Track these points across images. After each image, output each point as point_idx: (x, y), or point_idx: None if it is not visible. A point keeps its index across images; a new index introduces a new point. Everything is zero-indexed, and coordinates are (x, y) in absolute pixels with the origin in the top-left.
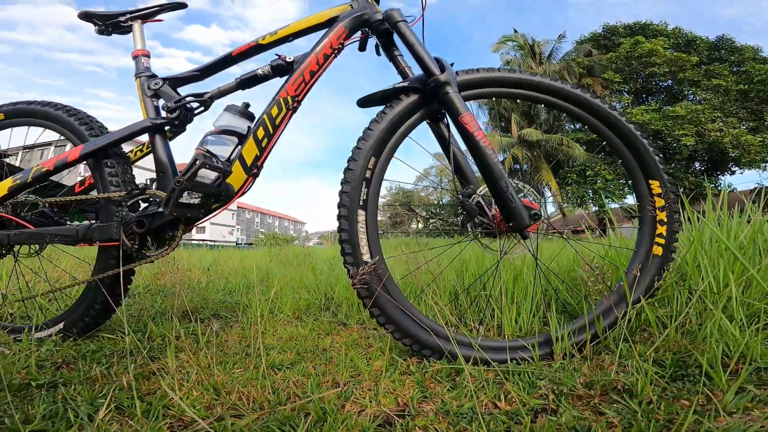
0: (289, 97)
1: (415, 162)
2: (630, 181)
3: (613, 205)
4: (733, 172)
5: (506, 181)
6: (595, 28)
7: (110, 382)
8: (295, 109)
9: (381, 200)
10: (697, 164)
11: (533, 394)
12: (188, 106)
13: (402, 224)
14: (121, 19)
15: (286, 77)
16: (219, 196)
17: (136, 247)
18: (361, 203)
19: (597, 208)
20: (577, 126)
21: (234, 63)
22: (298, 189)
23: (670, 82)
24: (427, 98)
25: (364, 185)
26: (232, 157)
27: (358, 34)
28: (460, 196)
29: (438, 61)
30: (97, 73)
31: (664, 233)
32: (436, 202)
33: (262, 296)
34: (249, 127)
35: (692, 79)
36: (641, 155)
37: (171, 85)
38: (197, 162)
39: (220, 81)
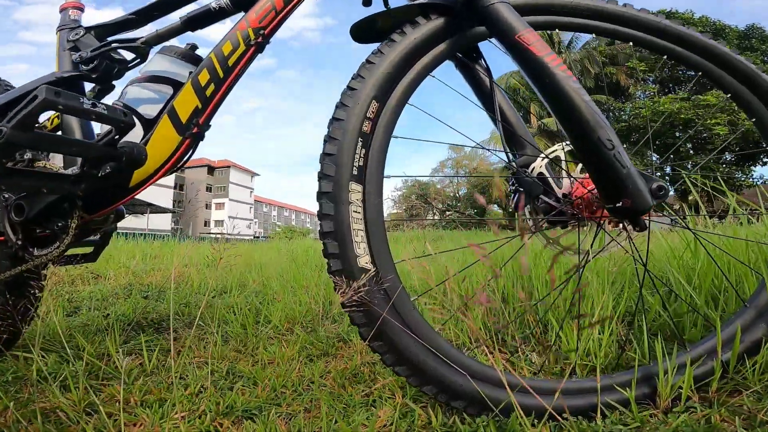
0: (249, 30)
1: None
2: (765, 141)
3: None
4: (765, 163)
5: (609, 132)
6: None
7: None
8: (260, 46)
9: (396, 192)
10: (727, 155)
11: None
12: (114, 55)
13: (418, 216)
14: None
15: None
16: (118, 163)
17: (20, 242)
18: (354, 171)
19: None
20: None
21: (185, 2)
22: (315, 183)
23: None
24: (457, 22)
25: (359, 144)
26: (161, 112)
27: None
28: (513, 164)
29: None
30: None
31: None
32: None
33: (251, 300)
34: (191, 73)
35: None
36: None
37: (98, 35)
38: (37, 99)
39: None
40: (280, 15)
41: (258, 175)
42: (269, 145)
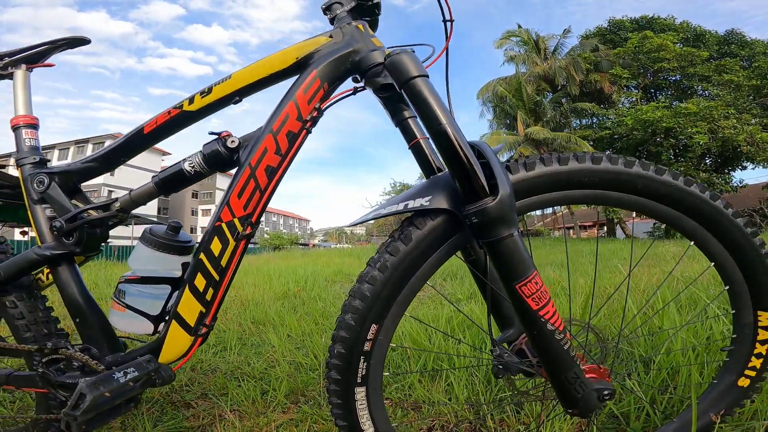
0: (236, 221)
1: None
2: (732, 310)
3: None
4: (744, 167)
5: (577, 371)
6: (596, 23)
7: None
8: (249, 237)
9: (385, 197)
10: (708, 160)
11: None
12: (92, 220)
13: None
14: None
15: (232, 179)
16: (152, 385)
17: None
18: (358, 380)
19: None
20: (584, 122)
21: (150, 143)
22: (302, 187)
23: (678, 76)
24: (459, 222)
25: (362, 360)
26: (167, 312)
27: (348, 83)
28: (495, 348)
29: (472, 147)
30: (101, 75)
31: (758, 366)
32: None
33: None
34: (185, 265)
35: (702, 74)
36: (756, 276)
37: (62, 182)
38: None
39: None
40: (266, 192)
41: None
42: None
